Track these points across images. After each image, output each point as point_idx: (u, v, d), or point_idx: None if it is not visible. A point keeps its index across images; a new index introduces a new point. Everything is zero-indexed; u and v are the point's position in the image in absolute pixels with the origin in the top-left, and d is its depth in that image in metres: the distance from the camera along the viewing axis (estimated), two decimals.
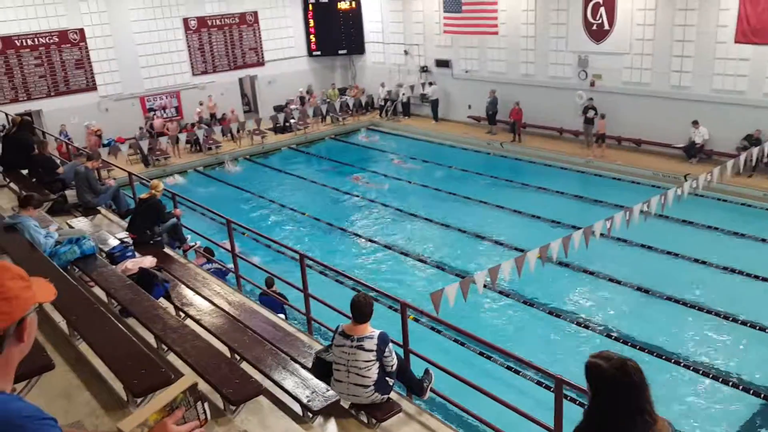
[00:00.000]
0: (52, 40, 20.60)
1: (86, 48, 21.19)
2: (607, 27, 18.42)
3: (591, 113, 18.64)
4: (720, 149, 16.57)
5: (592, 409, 2.59)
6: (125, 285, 6.65)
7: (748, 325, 10.12)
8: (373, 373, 5.24)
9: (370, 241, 14.54)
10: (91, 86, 21.49)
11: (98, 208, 10.58)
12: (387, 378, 5.37)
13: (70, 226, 9.02)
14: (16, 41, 20.00)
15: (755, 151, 13.59)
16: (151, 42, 22.35)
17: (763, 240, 13.01)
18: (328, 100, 25.18)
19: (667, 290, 11.27)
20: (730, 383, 8.89)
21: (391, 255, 13.80)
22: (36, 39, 20.33)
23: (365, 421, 5.42)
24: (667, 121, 17.51)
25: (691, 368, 9.26)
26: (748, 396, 8.67)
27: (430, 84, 23.65)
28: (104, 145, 20.07)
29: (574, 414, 8.08)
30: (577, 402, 8.08)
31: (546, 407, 5.86)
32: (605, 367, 2.53)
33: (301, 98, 25.03)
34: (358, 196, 17.63)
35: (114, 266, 7.42)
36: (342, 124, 24.62)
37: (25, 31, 20.10)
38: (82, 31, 21.04)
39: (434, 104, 23.56)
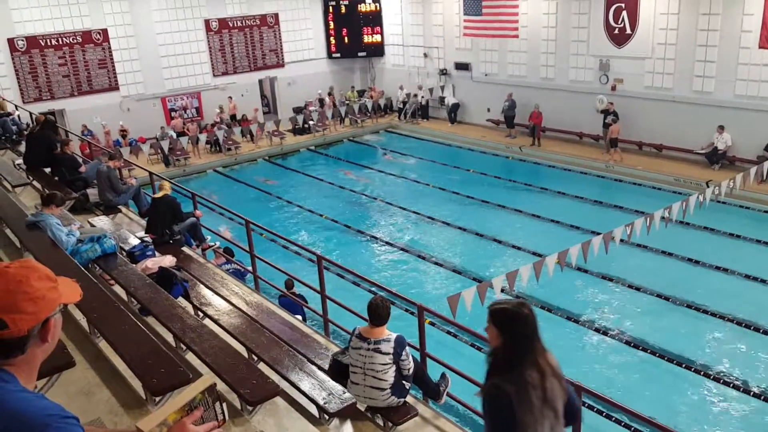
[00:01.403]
0: (75, 40, 20.86)
1: (109, 48, 21.44)
2: (629, 31, 18.26)
3: (609, 118, 18.48)
4: (743, 155, 16.35)
5: (505, 346, 2.89)
6: (145, 284, 6.70)
7: None
8: (390, 376, 5.23)
9: (388, 243, 14.53)
10: (114, 86, 21.74)
11: (119, 207, 10.68)
12: (403, 381, 5.36)
13: (92, 225, 9.12)
14: (40, 41, 20.29)
15: None
16: (173, 43, 22.58)
17: None
18: (347, 102, 25.24)
19: (687, 298, 11.13)
20: (752, 393, 8.75)
21: (408, 258, 13.78)
22: (60, 39, 20.61)
23: (381, 424, 5.41)
24: (690, 127, 17.30)
25: (712, 377, 9.13)
26: None
27: (444, 88, 23.64)
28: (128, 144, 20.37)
29: (593, 420, 8.00)
30: (595, 409, 8.03)
31: None
32: (510, 307, 2.92)
33: (321, 100, 25.11)
34: (375, 198, 17.64)
35: (134, 265, 7.49)
36: (360, 126, 24.66)
37: (49, 31, 20.38)
38: (105, 31, 21.28)
39: (453, 107, 23.54)
